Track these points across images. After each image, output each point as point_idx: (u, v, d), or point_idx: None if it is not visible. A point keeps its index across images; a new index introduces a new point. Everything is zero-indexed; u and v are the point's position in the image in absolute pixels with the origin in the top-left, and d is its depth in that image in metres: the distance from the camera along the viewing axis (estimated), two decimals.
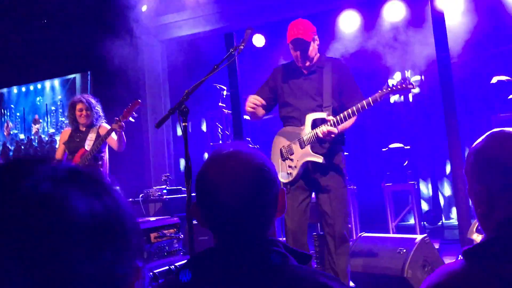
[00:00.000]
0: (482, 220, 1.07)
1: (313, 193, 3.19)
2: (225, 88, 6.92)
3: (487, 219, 1.05)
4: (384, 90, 2.84)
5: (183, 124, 2.47)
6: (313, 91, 3.08)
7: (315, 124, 3.02)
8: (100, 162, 4.23)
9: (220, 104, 7.01)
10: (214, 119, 7.28)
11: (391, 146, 5.72)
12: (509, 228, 1.00)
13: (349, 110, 2.88)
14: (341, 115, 2.90)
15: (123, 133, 4.09)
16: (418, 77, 6.16)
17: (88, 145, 4.19)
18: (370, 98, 2.85)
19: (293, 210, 3.06)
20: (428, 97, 6.37)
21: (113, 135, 4.16)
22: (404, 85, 2.80)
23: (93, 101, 4.33)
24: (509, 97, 5.05)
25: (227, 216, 1.03)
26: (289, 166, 3.07)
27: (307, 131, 3.03)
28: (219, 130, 7.10)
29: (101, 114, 4.40)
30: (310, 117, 3.04)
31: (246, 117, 5.80)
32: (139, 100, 4.10)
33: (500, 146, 1.04)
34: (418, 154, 6.35)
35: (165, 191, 4.95)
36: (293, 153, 3.08)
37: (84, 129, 4.33)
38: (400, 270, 3.35)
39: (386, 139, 6.49)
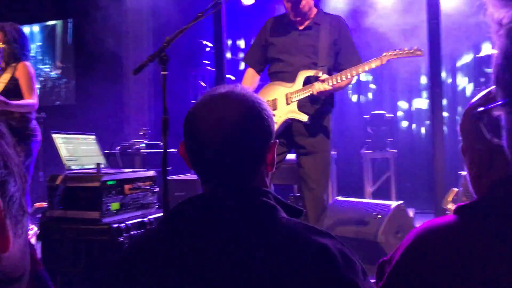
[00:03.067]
0: (475, 180, 1.03)
1: (294, 155, 3.11)
2: (210, 45, 6.76)
3: (481, 179, 1.01)
4: (390, 53, 2.69)
5: (163, 72, 2.38)
6: (309, 48, 2.93)
7: (308, 81, 2.88)
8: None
9: (204, 61, 6.88)
10: (197, 77, 7.14)
11: (374, 112, 5.70)
12: (504, 187, 0.96)
13: (348, 72, 2.75)
14: (339, 75, 2.76)
15: (8, 104, 3.43)
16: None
17: None
18: (372, 61, 2.72)
19: None
20: (412, 67, 6.33)
21: (24, 84, 3.58)
22: (411, 51, 2.66)
23: (14, 32, 3.64)
24: (487, 71, 5.04)
25: (210, 157, 0.97)
26: None
27: (296, 88, 2.90)
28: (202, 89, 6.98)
29: (22, 51, 3.70)
30: (302, 74, 2.90)
31: (230, 76, 5.69)
32: None
33: None
34: (400, 123, 6.36)
35: (143, 145, 4.86)
36: (276, 109, 2.96)
37: (3, 65, 3.66)
38: (374, 235, 3.37)
39: (369, 105, 6.47)
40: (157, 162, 4.82)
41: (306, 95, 2.86)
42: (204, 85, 6.94)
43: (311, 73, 2.88)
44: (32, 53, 7.72)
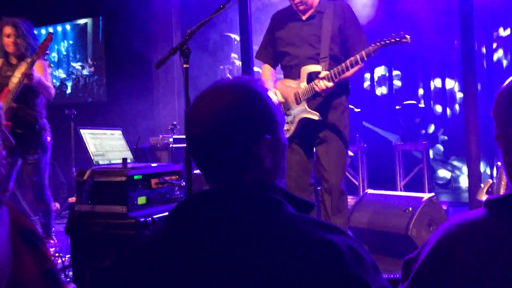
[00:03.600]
0: (511, 168, 0.96)
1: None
2: (237, 38, 6.75)
3: None
4: (378, 43, 2.67)
5: (185, 66, 2.36)
6: (313, 38, 2.90)
7: (311, 78, 2.87)
8: (30, 103, 3.61)
9: (232, 55, 6.87)
10: (225, 71, 7.14)
11: (406, 103, 5.56)
12: None
13: (343, 65, 2.74)
14: (335, 70, 2.75)
15: (41, 78, 3.50)
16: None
17: (13, 82, 3.45)
18: (363, 52, 2.69)
19: (292, 168, 2.96)
20: (443, 53, 6.15)
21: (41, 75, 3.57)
22: (398, 38, 2.64)
23: (26, 26, 3.62)
24: None
25: (199, 152, 0.95)
26: (286, 123, 2.96)
27: (302, 86, 2.90)
28: None
29: (37, 43, 3.63)
30: (305, 70, 2.89)
31: (257, 69, 5.66)
32: (51, 33, 3.56)
33: None
34: (433, 113, 6.19)
35: (171, 139, 4.89)
36: (289, 109, 2.97)
37: (15, 61, 3.61)
38: (405, 228, 3.29)
39: (400, 97, 6.33)
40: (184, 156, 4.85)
41: (311, 93, 2.86)
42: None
43: (312, 69, 2.87)
44: (64, 52, 7.89)
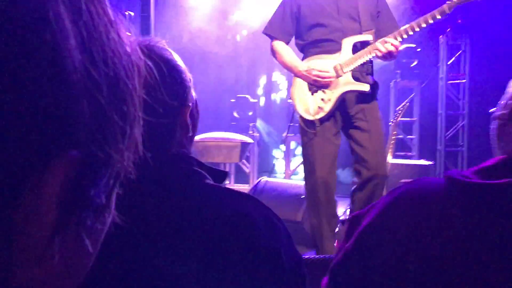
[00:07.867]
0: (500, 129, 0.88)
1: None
2: (132, 13, 6.49)
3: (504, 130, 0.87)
4: (454, 1, 2.44)
5: None
6: (352, 11, 2.64)
7: (356, 48, 2.62)
8: None
9: (127, 34, 6.59)
10: None
11: None
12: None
13: (414, 24, 2.50)
14: (407, 28, 2.51)
15: None
16: None
17: None
18: (436, 12, 2.48)
19: (324, 154, 2.63)
20: None
21: None
22: None
23: None
24: (412, 65, 5.26)
25: None
26: (321, 99, 2.64)
27: (346, 57, 2.61)
28: None
29: None
30: (348, 41, 2.60)
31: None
32: None
33: None
34: None
35: None
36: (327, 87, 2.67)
37: None
38: (294, 215, 3.46)
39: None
40: None
41: (365, 59, 2.59)
42: None
43: (360, 38, 2.62)
44: None
